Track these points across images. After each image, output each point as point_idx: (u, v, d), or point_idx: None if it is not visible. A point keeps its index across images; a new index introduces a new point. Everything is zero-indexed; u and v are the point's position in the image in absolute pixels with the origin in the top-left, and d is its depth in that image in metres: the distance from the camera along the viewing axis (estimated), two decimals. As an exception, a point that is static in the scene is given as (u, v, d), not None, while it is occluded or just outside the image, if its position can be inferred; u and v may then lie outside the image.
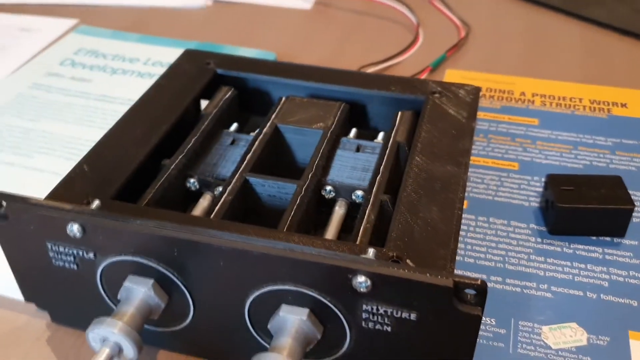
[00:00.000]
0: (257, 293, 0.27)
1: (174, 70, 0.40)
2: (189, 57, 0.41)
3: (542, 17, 0.60)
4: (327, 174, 0.33)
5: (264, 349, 0.26)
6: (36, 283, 0.31)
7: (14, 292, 0.32)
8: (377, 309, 0.26)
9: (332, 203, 0.33)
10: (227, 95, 0.38)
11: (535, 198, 0.37)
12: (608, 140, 0.42)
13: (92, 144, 0.39)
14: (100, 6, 0.63)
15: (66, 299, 0.31)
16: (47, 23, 0.59)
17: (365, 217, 0.30)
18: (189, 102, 0.37)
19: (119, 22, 0.60)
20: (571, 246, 0.34)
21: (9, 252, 0.30)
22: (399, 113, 0.37)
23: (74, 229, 0.27)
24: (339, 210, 0.32)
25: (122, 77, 0.49)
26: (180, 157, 0.33)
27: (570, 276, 0.33)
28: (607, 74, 0.50)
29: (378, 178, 0.32)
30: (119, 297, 0.28)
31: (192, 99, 0.37)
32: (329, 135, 0.35)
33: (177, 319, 0.29)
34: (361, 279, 0.25)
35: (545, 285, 0.32)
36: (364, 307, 0.26)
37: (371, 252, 0.26)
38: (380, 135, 0.37)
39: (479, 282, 0.24)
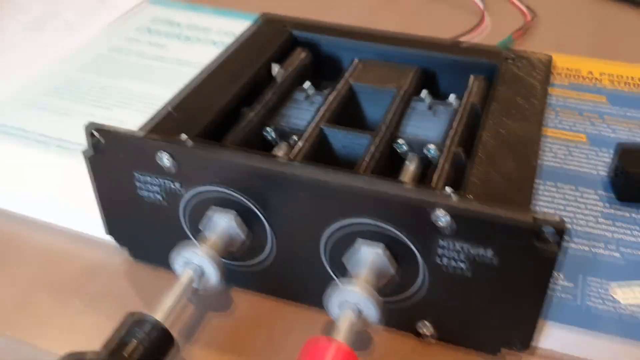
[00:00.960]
0: (334, 226, 0.28)
1: (251, 32, 0.41)
2: (266, 20, 0.42)
3: (612, 8, 0.59)
4: (400, 129, 0.34)
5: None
6: (120, 216, 0.32)
7: (94, 230, 0.34)
8: (453, 246, 0.26)
9: (403, 158, 0.34)
10: (302, 56, 0.40)
11: (604, 168, 0.38)
12: (679, 119, 0.41)
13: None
14: None
15: (148, 233, 0.32)
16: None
17: (440, 166, 0.30)
18: (265, 60, 0.38)
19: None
20: (640, 213, 0.34)
21: (98, 184, 0.31)
22: (472, 77, 0.37)
23: (164, 158, 0.29)
24: (411, 164, 0.33)
25: (196, 44, 0.51)
26: (260, 106, 0.35)
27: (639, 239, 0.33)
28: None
29: (451, 132, 0.33)
30: (200, 227, 0.30)
31: (268, 58, 0.38)
32: (402, 94, 0.36)
33: (254, 253, 0.30)
34: (440, 213, 0.25)
35: (614, 246, 0.32)
36: (440, 243, 0.26)
37: (449, 190, 0.27)
38: (452, 96, 0.37)
39: (558, 220, 0.24)
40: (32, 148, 0.40)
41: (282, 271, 0.31)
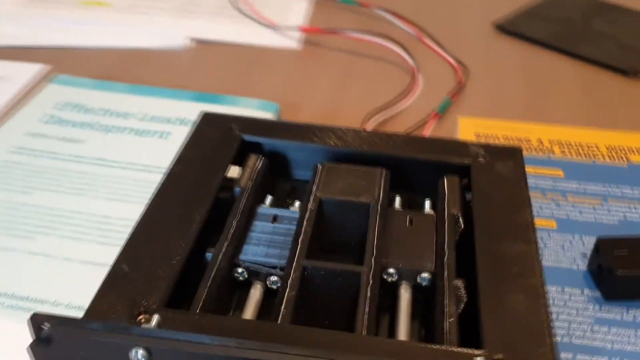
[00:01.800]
0: None
1: (197, 138, 0.36)
2: (209, 122, 0.37)
3: (535, 55, 0.59)
4: (387, 255, 0.31)
5: None
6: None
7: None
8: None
9: (394, 286, 0.31)
10: (258, 166, 0.35)
11: (582, 260, 0.37)
12: (634, 190, 0.41)
13: (100, 219, 0.37)
14: (72, 48, 0.58)
15: None
16: (17, 69, 0.53)
17: (447, 311, 0.27)
18: (221, 177, 0.34)
19: (96, 67, 0.55)
20: (630, 312, 0.34)
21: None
22: (445, 180, 0.35)
23: (139, 354, 0.24)
24: (405, 295, 0.30)
25: (117, 135, 0.45)
26: (226, 244, 0.30)
27: (639, 347, 0.32)
28: (608, 115, 0.51)
29: (445, 260, 0.30)
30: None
31: (223, 175, 0.34)
32: (379, 208, 0.33)
33: None
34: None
35: (617, 359, 0.31)
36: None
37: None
38: (427, 203, 0.35)
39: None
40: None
41: None
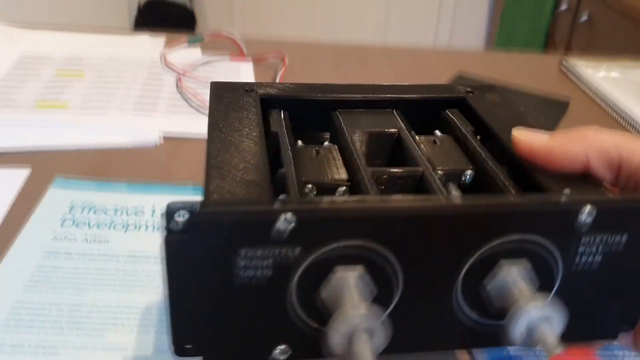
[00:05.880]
0: (475, 255, 0.27)
1: (218, 100, 0.37)
2: (221, 88, 0.38)
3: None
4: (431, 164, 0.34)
5: (472, 330, 0.28)
6: (202, 315, 0.26)
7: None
8: (593, 241, 0.28)
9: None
10: (282, 116, 0.37)
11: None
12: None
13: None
14: (46, 151, 0.57)
15: (240, 328, 0.27)
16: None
17: (507, 184, 0.31)
18: (259, 123, 0.35)
19: (75, 168, 0.54)
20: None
21: (176, 277, 0.25)
22: (448, 112, 0.39)
23: (287, 220, 0.25)
24: (456, 193, 0.33)
25: (138, 232, 0.46)
26: (292, 165, 0.32)
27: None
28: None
29: (484, 156, 0.34)
30: (323, 296, 0.26)
31: (260, 116, 0.36)
32: (408, 133, 0.36)
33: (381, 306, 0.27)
34: (586, 212, 0.27)
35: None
36: (582, 241, 0.28)
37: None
38: (437, 132, 0.38)
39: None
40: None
41: (410, 324, 0.28)
